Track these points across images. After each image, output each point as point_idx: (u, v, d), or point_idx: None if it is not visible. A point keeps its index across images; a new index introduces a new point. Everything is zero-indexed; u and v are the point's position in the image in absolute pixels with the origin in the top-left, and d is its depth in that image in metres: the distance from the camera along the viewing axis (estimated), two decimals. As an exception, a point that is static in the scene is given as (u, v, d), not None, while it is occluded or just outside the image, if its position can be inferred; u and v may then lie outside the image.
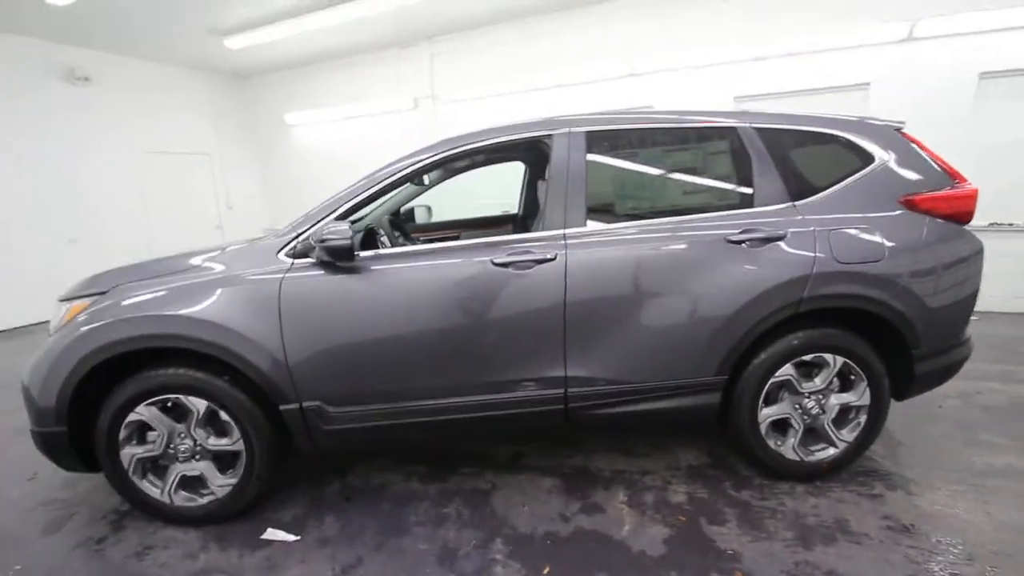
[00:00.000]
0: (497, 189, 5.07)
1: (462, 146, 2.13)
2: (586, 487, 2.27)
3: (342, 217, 2.05)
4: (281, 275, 1.96)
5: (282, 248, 2.02)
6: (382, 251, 2.05)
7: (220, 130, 8.43)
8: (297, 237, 2.02)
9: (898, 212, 2.09)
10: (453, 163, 2.36)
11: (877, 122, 2.23)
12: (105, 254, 6.10)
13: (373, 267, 1.99)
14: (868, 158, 2.16)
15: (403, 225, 3.41)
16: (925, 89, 4.66)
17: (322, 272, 1.96)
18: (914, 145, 2.20)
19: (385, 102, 7.39)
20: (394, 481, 2.40)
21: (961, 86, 4.57)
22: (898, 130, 2.23)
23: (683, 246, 2.02)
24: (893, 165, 2.14)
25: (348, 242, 1.84)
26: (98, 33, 6.23)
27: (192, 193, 8.09)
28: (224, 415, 2.01)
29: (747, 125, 2.15)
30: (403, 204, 3.51)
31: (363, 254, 2.02)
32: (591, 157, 2.11)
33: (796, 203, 2.09)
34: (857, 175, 2.14)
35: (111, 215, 7.06)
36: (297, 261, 2.00)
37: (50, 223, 6.45)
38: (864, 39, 4.79)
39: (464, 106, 6.87)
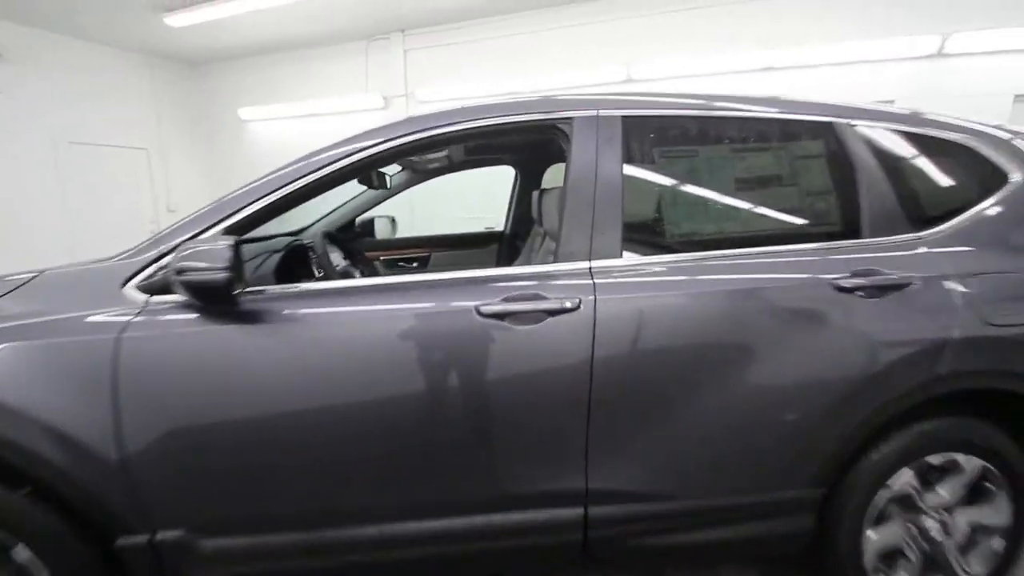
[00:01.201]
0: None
1: (433, 129, 1.41)
2: (604, 640, 1.53)
3: (239, 229, 1.29)
4: (125, 321, 1.18)
5: (132, 277, 1.23)
6: (296, 287, 1.28)
7: (163, 123, 7.47)
8: (159, 259, 1.24)
9: (1048, 252, 1.47)
10: (421, 153, 1.64)
11: (1005, 131, 1.64)
12: (11, 257, 5.10)
13: (285, 311, 1.23)
14: (1000, 177, 1.54)
15: (354, 243, 2.65)
16: (955, 110, 4.18)
17: (196, 318, 1.19)
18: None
19: (352, 99, 6.61)
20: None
21: (994, 108, 4.13)
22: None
23: (770, 293, 1.33)
24: (1031, 187, 1.53)
25: (222, 276, 1.07)
26: (11, 0, 5.29)
27: (125, 192, 7.07)
28: (24, 551, 1.20)
29: (847, 122, 1.50)
30: (360, 213, 2.76)
31: (271, 290, 1.26)
32: (630, 153, 1.41)
33: (920, 234, 1.44)
34: (991, 200, 1.51)
35: (21, 213, 6.01)
36: (156, 299, 1.22)
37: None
38: (888, 52, 4.33)
39: (440, 107, 6.17)
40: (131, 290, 1.22)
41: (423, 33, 6.15)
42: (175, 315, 1.19)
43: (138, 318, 1.18)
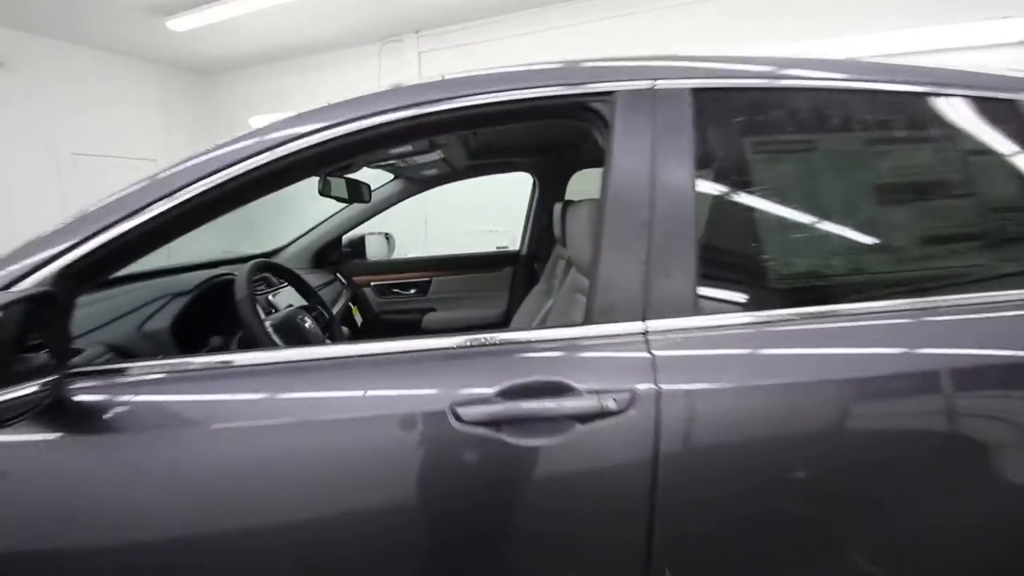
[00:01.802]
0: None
1: (418, 106, 0.91)
2: None
3: (91, 268, 0.82)
4: None
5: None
6: (161, 365, 0.79)
7: (172, 132, 7.25)
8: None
9: None
10: (379, 148, 1.15)
11: None
12: None
13: (143, 395, 0.76)
14: None
15: (338, 266, 2.19)
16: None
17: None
18: None
19: (364, 106, 6.28)
20: None
21: (1106, 102, 3.47)
22: None
23: (954, 379, 0.79)
24: None
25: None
26: (11, 7, 5.09)
27: (132, 205, 6.84)
28: None
29: (1044, 96, 0.96)
30: (349, 228, 2.30)
31: (137, 367, 0.78)
32: (708, 148, 0.89)
33: None
34: None
35: (20, 227, 5.75)
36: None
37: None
38: (975, 38, 3.72)
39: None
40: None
41: (438, 34, 5.79)
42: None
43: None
